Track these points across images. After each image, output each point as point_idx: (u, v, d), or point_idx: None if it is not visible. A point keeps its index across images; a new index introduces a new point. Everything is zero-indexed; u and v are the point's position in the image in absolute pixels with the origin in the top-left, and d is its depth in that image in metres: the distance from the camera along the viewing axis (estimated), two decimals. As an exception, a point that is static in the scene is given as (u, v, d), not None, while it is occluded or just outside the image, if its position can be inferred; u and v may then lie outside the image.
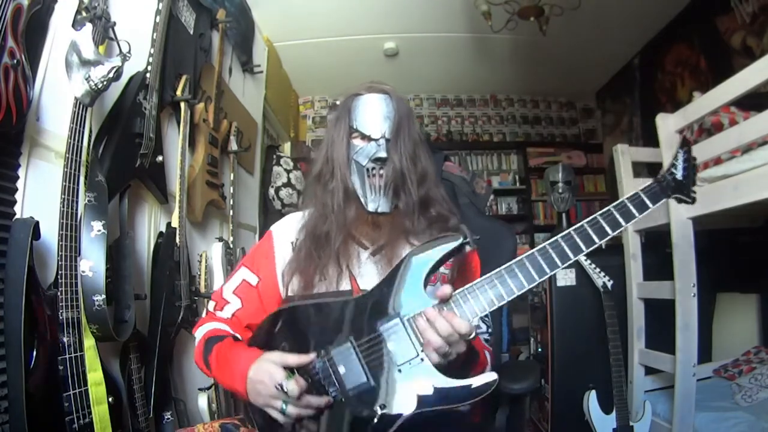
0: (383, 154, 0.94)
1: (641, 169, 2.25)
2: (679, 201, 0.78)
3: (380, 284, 0.83)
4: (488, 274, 0.77)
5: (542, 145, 4.31)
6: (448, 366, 0.77)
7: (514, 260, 0.76)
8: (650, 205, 0.75)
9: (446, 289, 0.76)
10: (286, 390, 0.75)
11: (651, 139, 1.94)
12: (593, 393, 1.90)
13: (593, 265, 1.97)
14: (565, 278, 2.11)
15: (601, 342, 1.90)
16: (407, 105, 1.02)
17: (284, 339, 0.85)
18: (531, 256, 0.76)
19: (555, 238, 0.76)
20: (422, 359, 0.75)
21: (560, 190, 2.63)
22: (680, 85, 3.06)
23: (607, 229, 0.75)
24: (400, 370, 0.76)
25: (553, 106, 4.47)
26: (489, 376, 0.75)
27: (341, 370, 0.78)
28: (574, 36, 3.10)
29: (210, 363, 0.89)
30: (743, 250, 2.08)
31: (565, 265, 0.75)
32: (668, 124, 1.74)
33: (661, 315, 1.78)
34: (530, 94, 4.41)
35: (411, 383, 0.75)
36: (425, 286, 0.80)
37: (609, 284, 1.93)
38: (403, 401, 0.75)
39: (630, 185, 1.97)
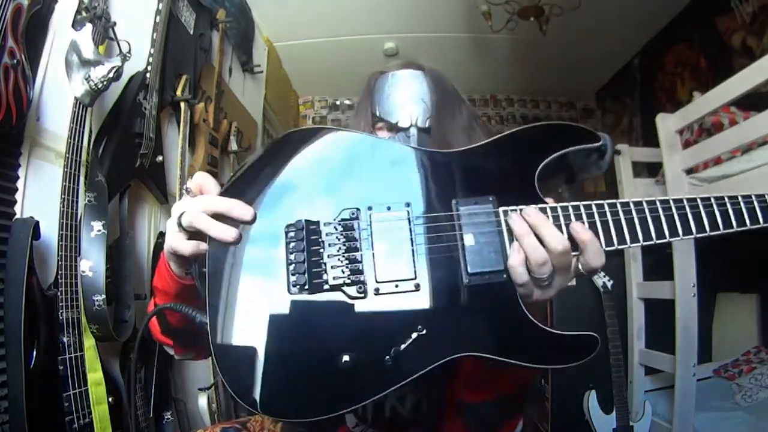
0: None
1: (641, 169, 2.25)
2: None
3: (474, 148, 0.56)
4: (628, 199, 0.53)
5: (542, 145, 4.31)
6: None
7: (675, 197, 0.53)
8: None
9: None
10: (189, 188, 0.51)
11: (651, 139, 1.94)
12: (593, 393, 1.89)
13: (593, 265, 1.97)
14: (565, 278, 2.10)
15: (601, 342, 1.90)
16: (450, 83, 0.79)
17: (291, 171, 0.53)
18: (693, 202, 0.53)
19: (722, 195, 0.54)
20: (505, 276, 0.50)
21: (560, 190, 2.63)
22: (680, 85, 3.05)
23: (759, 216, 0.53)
24: (468, 283, 0.49)
25: (553, 106, 4.46)
26: (589, 335, 0.52)
27: (376, 248, 0.49)
28: (574, 36, 3.09)
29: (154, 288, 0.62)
30: (743, 250, 2.08)
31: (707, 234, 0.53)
32: (668, 124, 1.74)
33: (661, 315, 1.78)
34: (530, 94, 4.40)
35: (478, 309, 0.49)
36: (537, 181, 0.54)
37: (609, 284, 1.93)
38: (456, 333, 0.48)
39: (630, 185, 1.97)
